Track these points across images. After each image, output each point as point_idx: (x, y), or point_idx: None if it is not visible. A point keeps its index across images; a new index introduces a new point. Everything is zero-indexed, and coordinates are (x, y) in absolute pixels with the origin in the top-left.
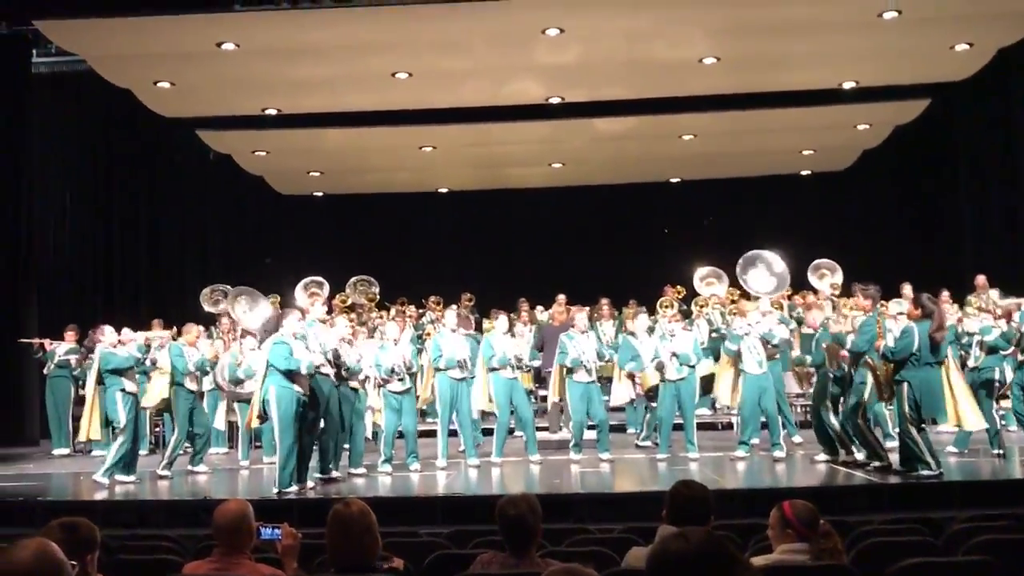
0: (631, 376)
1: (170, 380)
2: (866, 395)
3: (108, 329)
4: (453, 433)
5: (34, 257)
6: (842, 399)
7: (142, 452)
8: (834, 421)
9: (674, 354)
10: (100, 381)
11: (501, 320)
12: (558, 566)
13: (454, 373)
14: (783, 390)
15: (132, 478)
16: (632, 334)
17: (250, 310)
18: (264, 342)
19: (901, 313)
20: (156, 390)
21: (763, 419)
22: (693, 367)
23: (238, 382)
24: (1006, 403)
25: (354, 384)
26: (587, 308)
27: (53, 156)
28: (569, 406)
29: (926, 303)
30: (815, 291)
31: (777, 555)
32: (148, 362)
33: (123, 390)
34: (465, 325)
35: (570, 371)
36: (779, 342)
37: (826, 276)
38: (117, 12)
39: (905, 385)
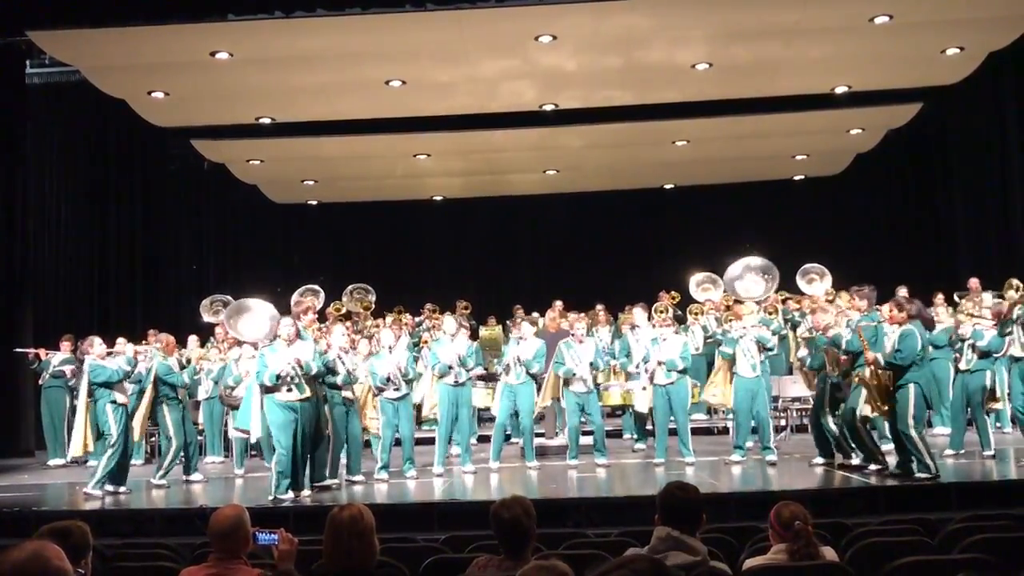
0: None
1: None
2: (861, 403)
3: (97, 340)
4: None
5: (29, 266)
6: (842, 404)
7: (138, 462)
8: (833, 426)
9: (660, 362)
10: (91, 394)
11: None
12: (532, 563)
13: (449, 380)
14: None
15: (124, 489)
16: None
17: (249, 325)
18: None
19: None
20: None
21: (753, 424)
22: (683, 372)
23: (234, 387)
24: (995, 404)
25: (348, 394)
26: (583, 314)
27: (48, 166)
28: (565, 413)
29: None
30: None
31: (767, 556)
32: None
33: (113, 402)
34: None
35: (566, 381)
36: (771, 347)
37: (815, 280)
38: (110, 23)
39: (912, 387)
